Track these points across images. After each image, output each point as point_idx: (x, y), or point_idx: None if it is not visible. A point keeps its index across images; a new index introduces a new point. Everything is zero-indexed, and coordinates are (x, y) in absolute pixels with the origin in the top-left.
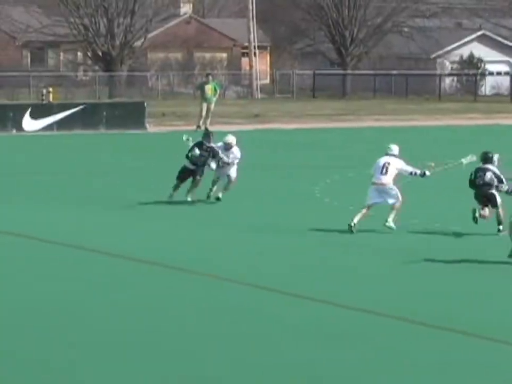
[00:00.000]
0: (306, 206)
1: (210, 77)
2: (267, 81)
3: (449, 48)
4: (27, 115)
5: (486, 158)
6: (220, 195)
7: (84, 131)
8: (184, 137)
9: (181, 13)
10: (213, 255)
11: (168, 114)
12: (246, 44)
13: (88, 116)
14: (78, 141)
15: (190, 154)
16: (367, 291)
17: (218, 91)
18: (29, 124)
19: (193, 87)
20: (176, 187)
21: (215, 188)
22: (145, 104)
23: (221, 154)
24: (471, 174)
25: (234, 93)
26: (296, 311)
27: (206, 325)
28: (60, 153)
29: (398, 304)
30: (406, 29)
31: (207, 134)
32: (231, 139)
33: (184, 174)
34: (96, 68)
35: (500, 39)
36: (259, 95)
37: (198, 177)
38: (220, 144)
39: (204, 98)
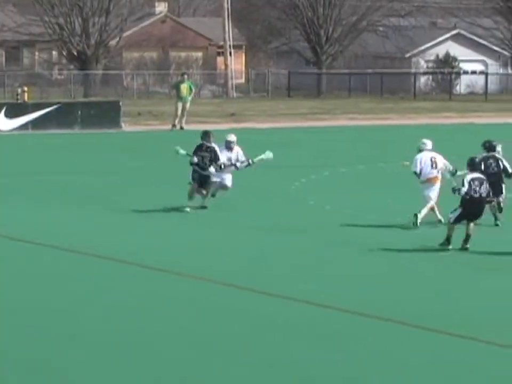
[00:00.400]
0: (283, 205)
1: (185, 76)
2: (242, 80)
3: (424, 47)
4: (2, 114)
5: (491, 147)
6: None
7: (58, 130)
8: (176, 150)
9: (156, 12)
10: (196, 255)
11: (143, 114)
12: (222, 43)
13: (63, 115)
14: (53, 141)
15: (190, 162)
16: (357, 291)
17: (193, 90)
18: (4, 123)
19: (169, 86)
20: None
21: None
22: (121, 103)
23: (221, 161)
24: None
25: (209, 92)
26: (286, 311)
27: (198, 326)
28: (36, 153)
29: (389, 304)
30: (381, 28)
31: (206, 134)
32: (233, 137)
33: (198, 179)
34: (71, 67)
35: (474, 38)
36: (234, 94)
37: (207, 188)
38: (221, 145)
39: (179, 97)
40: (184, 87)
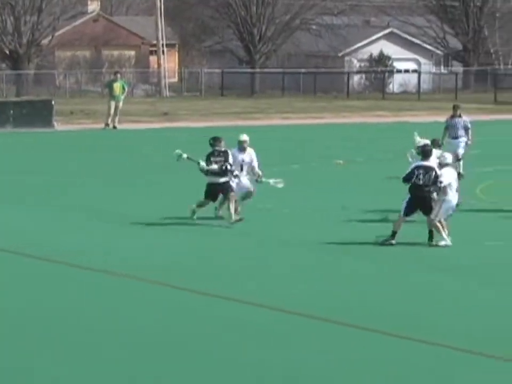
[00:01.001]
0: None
1: (118, 75)
2: (175, 79)
3: (357, 46)
4: None
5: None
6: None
7: None
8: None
9: (89, 11)
10: (144, 256)
11: (76, 113)
12: (154, 42)
13: None
14: None
15: (206, 170)
16: (293, 291)
17: (126, 89)
18: None
19: (101, 85)
20: (202, 205)
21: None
22: (53, 102)
23: (233, 167)
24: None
25: (142, 91)
26: (235, 312)
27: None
28: None
29: (337, 304)
30: (314, 27)
31: (216, 139)
32: (245, 137)
33: (214, 191)
34: (3, 66)
35: (407, 36)
36: (167, 93)
37: (231, 193)
38: (234, 149)
39: (112, 96)
40: (116, 86)
